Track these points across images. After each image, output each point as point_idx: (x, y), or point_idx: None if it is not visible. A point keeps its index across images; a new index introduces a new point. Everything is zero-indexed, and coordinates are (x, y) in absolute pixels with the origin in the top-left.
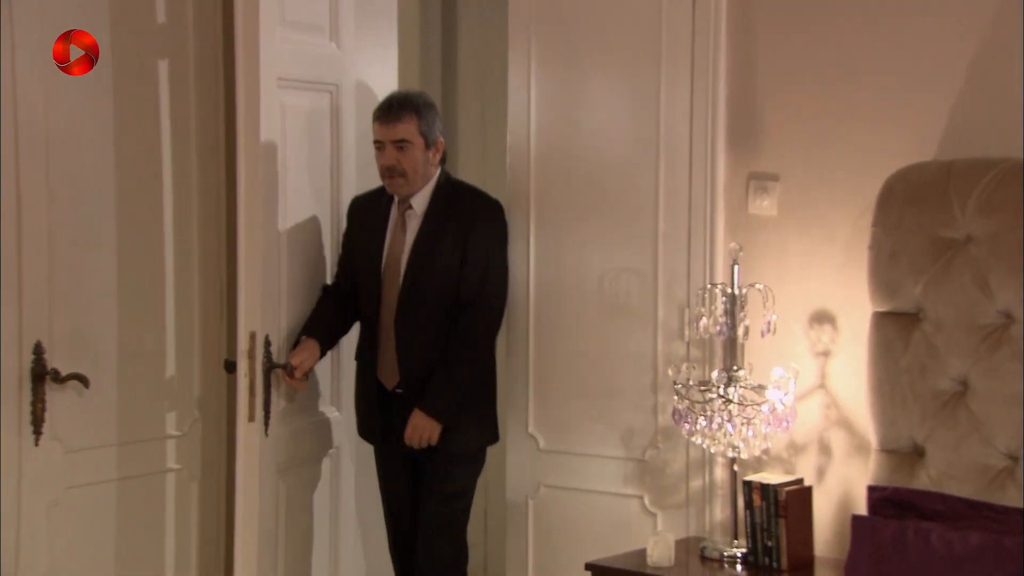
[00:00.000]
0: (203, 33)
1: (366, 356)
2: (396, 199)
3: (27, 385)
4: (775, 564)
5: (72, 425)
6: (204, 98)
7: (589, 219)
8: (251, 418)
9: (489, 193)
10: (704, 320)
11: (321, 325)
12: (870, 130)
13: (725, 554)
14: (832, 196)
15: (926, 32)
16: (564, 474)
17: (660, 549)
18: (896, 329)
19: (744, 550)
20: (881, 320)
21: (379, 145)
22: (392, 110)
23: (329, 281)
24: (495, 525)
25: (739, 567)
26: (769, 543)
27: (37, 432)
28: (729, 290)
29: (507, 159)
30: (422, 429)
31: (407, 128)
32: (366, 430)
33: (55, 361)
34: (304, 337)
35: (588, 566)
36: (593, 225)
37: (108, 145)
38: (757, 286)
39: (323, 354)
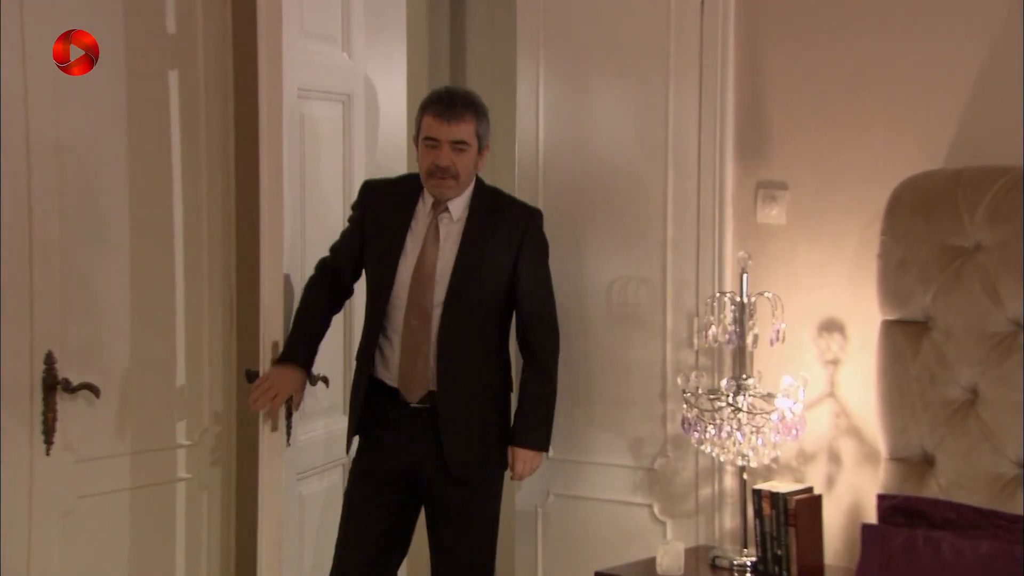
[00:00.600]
0: (213, 43)
1: (365, 365)
2: (425, 199)
3: (38, 395)
4: (785, 573)
5: (83, 435)
6: (214, 108)
7: (597, 227)
8: (274, 428)
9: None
10: (713, 329)
11: (310, 343)
12: (879, 139)
13: (735, 563)
14: (841, 205)
15: (934, 41)
16: (573, 483)
17: (670, 558)
18: (906, 337)
19: (754, 559)
20: (890, 328)
21: (432, 143)
22: (455, 107)
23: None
24: (503, 533)
25: (749, 575)
26: (779, 552)
27: (48, 442)
28: (738, 299)
29: (516, 167)
30: (531, 463)
31: (467, 128)
32: (364, 451)
33: (66, 371)
34: (291, 367)
35: (598, 575)
36: (601, 233)
37: (119, 155)
38: (766, 295)
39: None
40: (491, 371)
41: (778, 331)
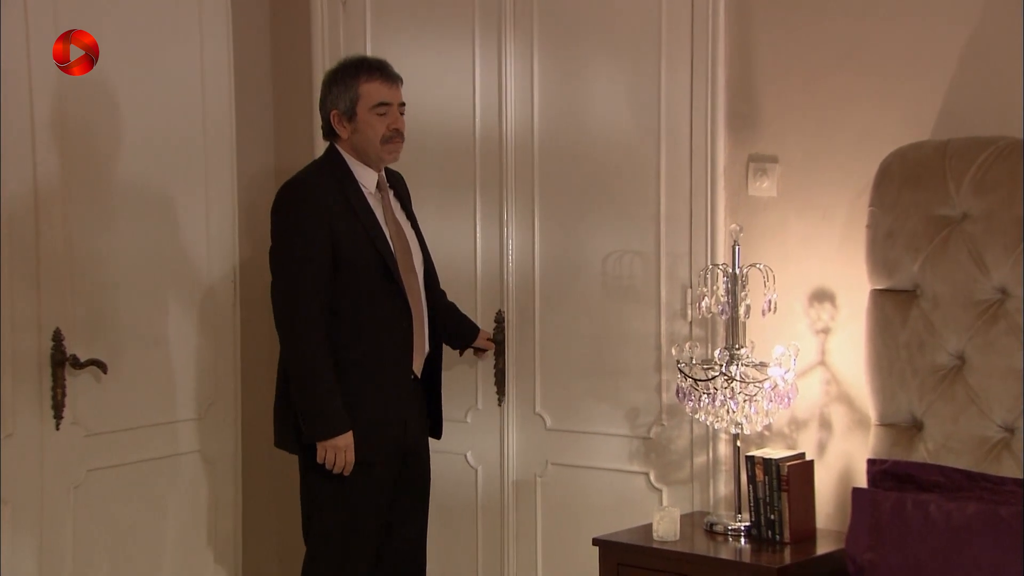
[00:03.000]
0: (214, 24)
1: (399, 358)
2: (364, 179)
3: (47, 371)
4: (778, 537)
5: (92, 410)
6: (216, 83)
7: (592, 202)
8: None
9: None
10: (706, 300)
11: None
12: (867, 111)
13: (729, 528)
14: (830, 177)
15: (921, 15)
16: (571, 452)
17: (666, 524)
18: (894, 306)
19: (748, 523)
20: (879, 297)
21: (385, 108)
22: (393, 71)
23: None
24: (497, 502)
25: (743, 540)
26: (772, 516)
27: (58, 417)
28: (730, 270)
29: (512, 143)
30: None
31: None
32: (392, 440)
33: (74, 347)
34: (346, 435)
35: (596, 541)
36: (596, 208)
37: (123, 133)
38: (758, 266)
39: None
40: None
41: (770, 301)
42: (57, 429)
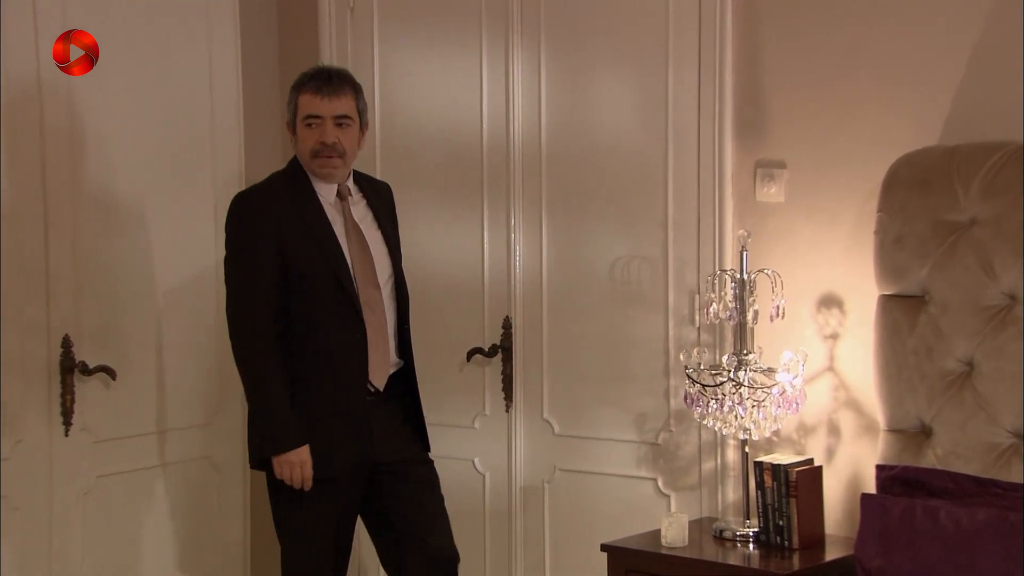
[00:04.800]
0: (222, 29)
1: (352, 371)
2: (323, 189)
3: (56, 377)
4: (786, 543)
5: (101, 416)
6: (225, 88)
7: (600, 208)
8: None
9: None
10: (714, 305)
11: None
12: (875, 117)
13: (738, 533)
14: (838, 182)
15: (928, 20)
16: (579, 458)
17: (674, 530)
18: (903, 312)
19: (756, 529)
20: (888, 303)
21: (313, 121)
22: (333, 82)
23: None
24: (504, 509)
25: (751, 546)
26: (780, 522)
27: (67, 423)
28: (738, 276)
29: (513, 150)
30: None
31: (348, 103)
32: (352, 455)
33: (83, 354)
34: (301, 450)
35: (604, 547)
36: (604, 214)
37: (132, 140)
38: (766, 271)
39: None
40: (409, 347)
41: (778, 307)
42: (66, 435)
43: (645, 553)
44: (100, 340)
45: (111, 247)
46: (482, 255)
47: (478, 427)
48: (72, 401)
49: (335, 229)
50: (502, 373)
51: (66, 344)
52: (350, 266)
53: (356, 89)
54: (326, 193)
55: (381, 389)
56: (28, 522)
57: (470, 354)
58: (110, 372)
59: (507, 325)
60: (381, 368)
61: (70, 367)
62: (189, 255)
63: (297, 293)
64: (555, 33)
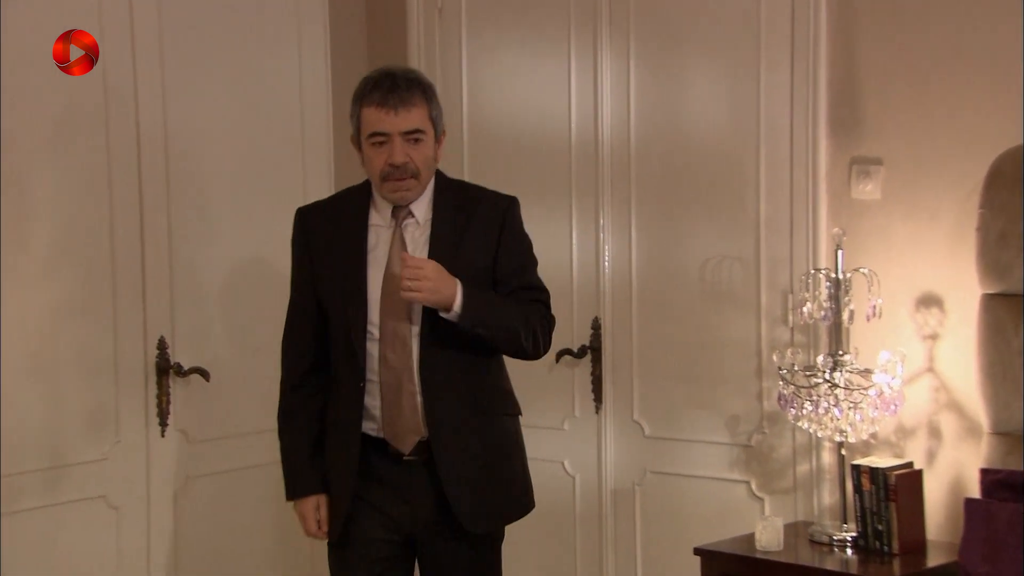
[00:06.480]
0: (312, 33)
1: (349, 422)
2: (379, 207)
3: (152, 379)
4: (886, 548)
5: (195, 417)
6: (314, 92)
7: (690, 207)
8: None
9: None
10: (808, 305)
11: (322, 464)
12: (975, 112)
13: (835, 538)
14: (937, 179)
15: None
16: (670, 460)
17: (768, 533)
18: (1007, 311)
19: (854, 534)
20: (991, 302)
21: (380, 139)
22: (399, 91)
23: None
24: (594, 512)
25: (849, 551)
26: (879, 527)
27: (163, 424)
28: (833, 275)
29: (602, 150)
30: (427, 271)
31: (419, 114)
32: (351, 519)
33: (178, 356)
34: (313, 498)
35: (697, 551)
36: (694, 213)
37: (223, 143)
38: (861, 270)
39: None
40: (489, 400)
41: (874, 307)
42: (162, 436)
43: (739, 557)
44: (194, 342)
45: (205, 250)
46: (571, 255)
47: (567, 429)
48: (168, 402)
49: (371, 256)
50: (591, 374)
51: (161, 346)
52: (367, 303)
53: (428, 94)
54: (382, 213)
55: (406, 454)
56: (126, 521)
57: (559, 355)
58: (204, 374)
59: (596, 325)
60: (398, 429)
61: (165, 368)
62: (280, 258)
63: (330, 325)
64: (644, 30)
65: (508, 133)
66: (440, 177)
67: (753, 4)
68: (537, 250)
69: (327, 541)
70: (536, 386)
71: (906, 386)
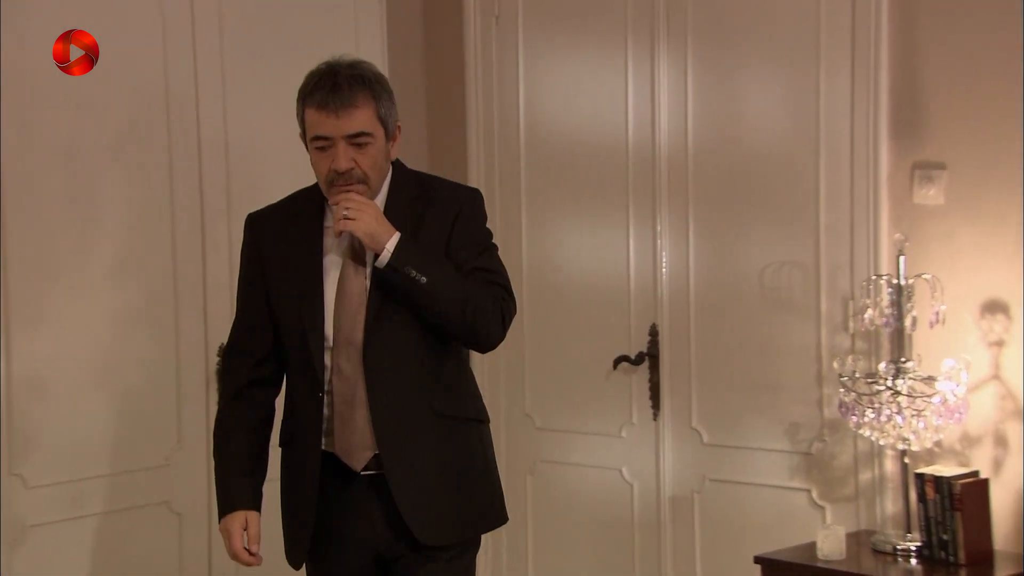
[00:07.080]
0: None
1: (306, 439)
2: (329, 208)
3: (213, 386)
4: (952, 558)
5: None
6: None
7: (748, 213)
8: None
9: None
10: (869, 312)
11: (255, 481)
12: None
13: (898, 547)
14: (1003, 183)
15: None
16: (729, 468)
17: (831, 542)
18: None
19: (919, 543)
20: None
21: (324, 143)
22: (340, 91)
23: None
24: (653, 519)
25: (914, 560)
26: (945, 536)
27: None
28: (895, 281)
29: (658, 157)
30: (361, 207)
31: (364, 115)
32: (313, 542)
33: None
34: (241, 513)
35: (758, 559)
36: (752, 219)
37: (278, 151)
38: (924, 276)
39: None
40: (449, 405)
41: (938, 313)
42: None
43: (800, 566)
44: None
45: None
46: (628, 261)
47: (625, 436)
48: None
49: (327, 260)
50: (649, 381)
51: (221, 353)
52: (324, 308)
53: (375, 91)
54: (335, 215)
55: (359, 471)
56: (188, 526)
57: (616, 362)
58: None
59: (654, 332)
60: (351, 445)
61: None
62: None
63: (281, 336)
64: (702, 35)
65: (565, 138)
66: (399, 169)
67: (812, 7)
68: (594, 256)
69: (293, 567)
70: (593, 393)
71: (971, 394)
